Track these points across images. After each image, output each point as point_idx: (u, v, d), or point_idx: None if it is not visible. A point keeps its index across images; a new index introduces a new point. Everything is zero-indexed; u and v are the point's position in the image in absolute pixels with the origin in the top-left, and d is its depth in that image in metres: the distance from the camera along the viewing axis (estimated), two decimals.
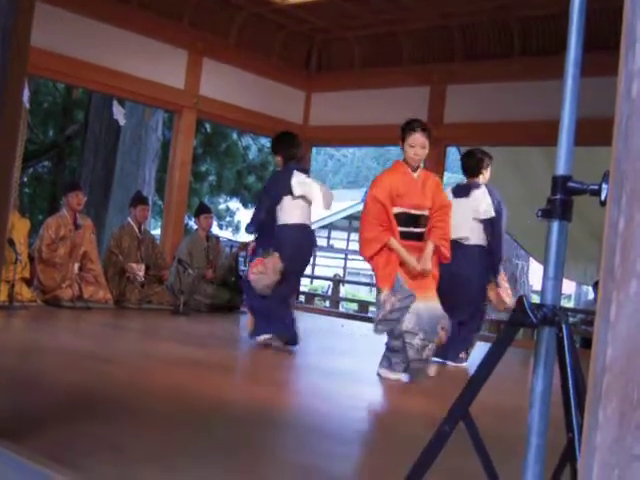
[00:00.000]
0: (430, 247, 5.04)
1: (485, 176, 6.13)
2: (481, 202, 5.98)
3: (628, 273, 1.19)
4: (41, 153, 16.84)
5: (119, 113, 8.83)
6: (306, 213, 6.10)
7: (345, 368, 5.80)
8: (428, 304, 4.95)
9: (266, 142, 19.06)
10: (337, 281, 17.06)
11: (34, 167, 17.61)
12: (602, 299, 1.22)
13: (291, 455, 3.03)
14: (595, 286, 11.18)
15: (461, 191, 6.13)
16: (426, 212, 5.06)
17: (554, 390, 1.67)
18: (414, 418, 4.13)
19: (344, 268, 25.87)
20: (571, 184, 1.63)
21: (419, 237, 5.05)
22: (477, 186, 6.07)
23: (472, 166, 6.16)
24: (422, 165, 5.25)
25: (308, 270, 21.18)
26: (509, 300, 6.00)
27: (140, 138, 13.01)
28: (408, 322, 4.86)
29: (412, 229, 5.03)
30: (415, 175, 5.11)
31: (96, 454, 2.62)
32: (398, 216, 4.98)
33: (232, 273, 9.11)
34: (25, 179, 16.73)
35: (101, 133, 13.51)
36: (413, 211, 5.03)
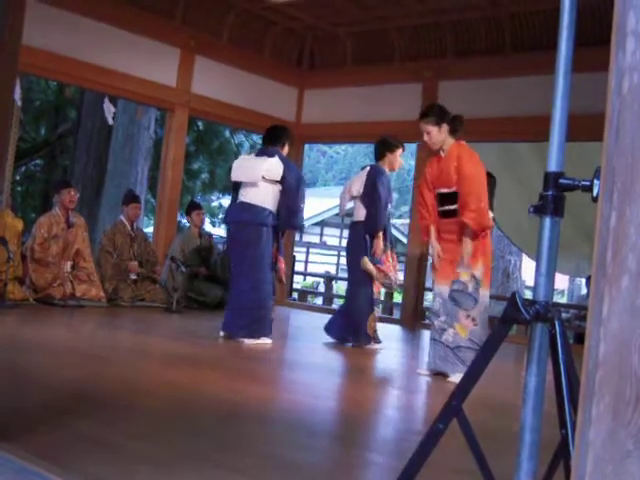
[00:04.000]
0: (433, 234, 5.33)
1: (386, 160, 6.65)
2: (355, 182, 6.74)
3: (620, 269, 1.19)
4: (33, 151, 16.78)
5: (109, 112, 8.80)
6: None
7: (345, 366, 5.81)
8: (449, 287, 5.16)
9: (258, 139, 19.06)
10: (329, 278, 17.06)
11: (26, 165, 17.55)
12: (594, 295, 1.22)
13: (286, 453, 3.02)
14: (588, 281, 11.21)
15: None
16: (454, 189, 5.22)
17: (547, 386, 1.67)
18: (413, 414, 4.14)
19: (337, 265, 25.86)
20: (563, 180, 1.63)
21: (455, 214, 5.22)
22: (363, 168, 6.85)
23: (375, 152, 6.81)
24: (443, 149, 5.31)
25: (301, 267, 21.18)
26: (392, 275, 6.54)
27: (132, 136, 12.97)
28: (435, 303, 5.25)
29: (446, 207, 5.27)
30: (443, 156, 5.31)
31: (90, 454, 2.61)
32: (437, 198, 5.32)
33: (225, 270, 9.10)
34: (17, 177, 16.67)
35: (93, 131, 13.46)
36: (444, 190, 5.26)
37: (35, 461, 2.41)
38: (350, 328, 6.61)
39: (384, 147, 6.68)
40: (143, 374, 4.47)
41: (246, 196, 6.18)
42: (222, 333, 6.26)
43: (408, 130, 9.65)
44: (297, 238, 13.41)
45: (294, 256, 11.27)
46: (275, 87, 10.34)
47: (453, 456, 2.51)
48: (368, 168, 6.73)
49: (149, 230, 12.70)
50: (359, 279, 6.58)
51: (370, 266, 6.45)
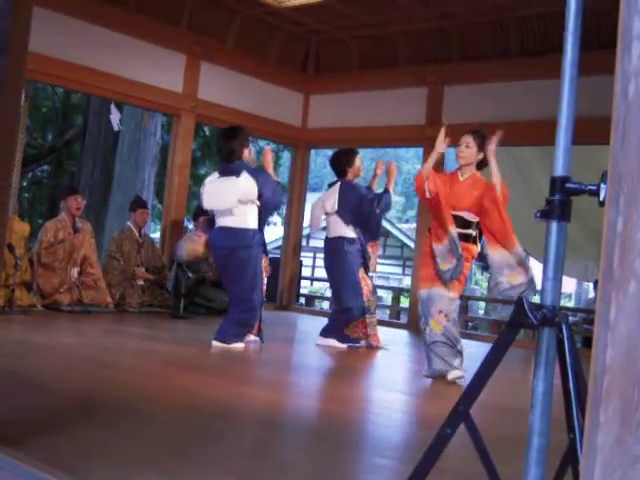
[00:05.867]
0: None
1: (350, 173, 6.85)
2: (328, 199, 6.87)
3: (627, 273, 1.18)
4: (40, 157, 16.83)
5: (115, 118, 8.83)
6: None
7: (352, 371, 5.80)
8: (430, 290, 5.24)
9: (264, 144, 19.05)
10: None
11: (33, 171, 17.61)
12: (601, 300, 1.22)
13: (293, 458, 3.02)
14: (596, 284, 11.18)
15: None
16: (473, 216, 5.26)
17: (555, 391, 1.67)
18: (420, 418, 4.13)
19: None
20: (569, 184, 1.63)
21: (468, 239, 5.26)
22: (335, 183, 6.94)
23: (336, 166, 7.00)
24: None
25: (308, 272, 21.17)
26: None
27: (139, 142, 12.99)
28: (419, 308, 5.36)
29: (461, 230, 5.24)
30: (461, 179, 5.36)
31: (98, 459, 2.62)
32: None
33: None
34: (24, 183, 16.73)
35: (100, 137, 13.50)
36: (462, 214, 5.27)
37: (43, 467, 2.41)
38: (335, 327, 6.77)
39: (341, 164, 6.89)
40: (150, 380, 4.47)
41: (226, 221, 6.04)
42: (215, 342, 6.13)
43: (413, 134, 9.67)
44: (304, 243, 13.41)
45: (301, 261, 11.27)
46: (281, 92, 10.36)
47: (461, 461, 2.51)
48: (339, 185, 6.83)
49: (156, 236, 12.72)
50: (347, 289, 6.70)
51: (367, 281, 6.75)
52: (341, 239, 6.74)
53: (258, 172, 6.12)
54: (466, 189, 5.27)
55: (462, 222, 5.25)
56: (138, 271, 8.45)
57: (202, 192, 6.29)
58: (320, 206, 6.96)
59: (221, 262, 6.22)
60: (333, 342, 6.72)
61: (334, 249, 6.82)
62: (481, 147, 5.28)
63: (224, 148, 6.20)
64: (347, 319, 6.72)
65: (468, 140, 5.31)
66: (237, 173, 6.01)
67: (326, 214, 6.92)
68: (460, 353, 5.22)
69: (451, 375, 5.16)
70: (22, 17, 2.65)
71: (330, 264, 6.94)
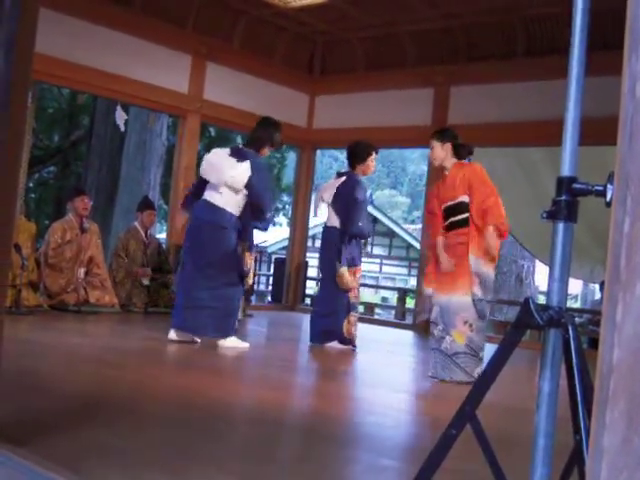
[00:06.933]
0: (440, 245, 5.41)
1: (359, 168, 6.81)
2: (327, 189, 6.87)
3: (634, 274, 1.18)
4: (47, 158, 16.88)
5: (120, 119, 8.85)
6: None
7: (355, 371, 5.80)
8: (450, 297, 5.23)
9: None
10: None
11: (40, 172, 17.66)
12: (608, 300, 1.22)
13: (297, 458, 3.02)
14: (602, 286, 11.16)
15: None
16: (458, 200, 5.36)
17: (561, 391, 1.67)
18: (425, 418, 4.12)
19: None
20: (576, 185, 1.62)
21: (462, 223, 5.35)
22: (339, 175, 6.99)
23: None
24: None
25: (313, 273, 21.22)
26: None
27: (145, 143, 13.02)
28: (433, 312, 5.34)
29: (452, 219, 5.40)
30: (447, 174, 5.51)
31: (102, 459, 2.62)
32: (443, 213, 5.47)
33: None
34: (31, 184, 16.78)
35: (106, 138, 13.53)
36: (450, 203, 5.41)
37: (49, 467, 2.41)
38: (328, 329, 6.67)
39: (355, 158, 6.81)
40: (154, 380, 4.47)
41: (212, 196, 6.00)
42: (174, 334, 6.01)
43: (419, 135, 9.66)
44: (310, 243, 13.42)
45: (306, 262, 11.27)
46: (286, 93, 10.36)
47: (466, 462, 2.50)
48: (344, 178, 6.80)
49: (162, 236, 12.73)
50: (333, 283, 6.62)
51: (347, 278, 6.58)
52: (334, 229, 6.69)
53: (260, 169, 6.09)
54: (450, 179, 5.42)
55: (451, 210, 5.37)
56: (140, 269, 8.45)
57: (206, 158, 6.26)
58: (320, 196, 6.98)
59: (192, 233, 6.09)
60: (336, 344, 6.66)
61: (326, 238, 6.82)
62: (443, 140, 5.49)
63: (254, 134, 6.31)
64: (335, 320, 6.63)
65: (431, 144, 5.54)
66: (243, 159, 6.01)
67: (326, 203, 6.88)
68: (482, 360, 5.19)
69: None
70: (28, 18, 2.66)
71: (321, 253, 6.95)
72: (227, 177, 5.93)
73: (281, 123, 6.52)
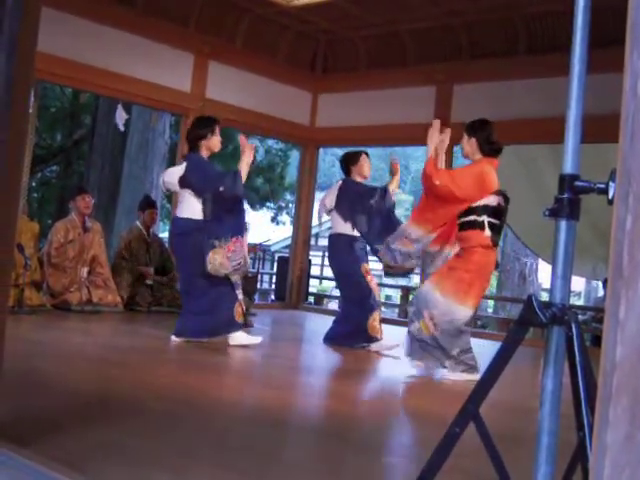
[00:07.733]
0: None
1: (354, 171, 6.86)
2: (328, 195, 6.92)
3: (636, 271, 1.18)
4: (49, 157, 16.89)
5: (120, 119, 8.84)
6: None
7: (359, 370, 5.80)
8: (432, 288, 5.23)
9: (273, 144, 19.07)
10: None
11: (42, 171, 17.67)
12: (611, 297, 1.22)
13: (304, 457, 3.02)
14: (605, 283, 11.15)
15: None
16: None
17: (564, 389, 1.67)
18: (429, 417, 4.12)
19: None
20: (578, 183, 1.62)
21: (469, 225, 5.34)
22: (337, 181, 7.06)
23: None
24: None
25: (317, 271, 21.16)
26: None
27: (147, 142, 13.02)
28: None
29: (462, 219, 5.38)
30: None
31: (109, 459, 2.62)
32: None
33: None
34: (33, 184, 16.78)
35: (109, 137, 13.53)
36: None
37: (53, 466, 2.42)
38: (352, 332, 6.62)
39: (347, 163, 6.92)
40: (159, 379, 4.48)
41: (177, 208, 6.18)
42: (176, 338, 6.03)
43: (422, 133, 9.62)
44: (313, 242, 13.40)
45: (310, 260, 11.27)
46: (289, 91, 10.36)
47: (470, 460, 2.50)
48: (340, 181, 6.94)
49: (164, 235, 12.74)
50: (353, 285, 6.66)
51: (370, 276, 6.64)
52: (340, 236, 6.72)
53: (194, 165, 6.01)
54: None
55: (463, 211, 5.27)
56: (142, 269, 8.46)
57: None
58: (322, 203, 7.00)
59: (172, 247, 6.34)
60: (374, 346, 6.57)
61: (332, 245, 6.85)
62: (469, 134, 5.41)
63: (189, 135, 6.26)
64: (361, 319, 6.58)
65: (463, 137, 5.46)
66: (182, 163, 6.17)
67: (328, 210, 6.92)
68: (454, 358, 5.11)
69: (439, 375, 5.21)
70: (30, 17, 2.66)
71: (330, 261, 6.99)
72: (166, 185, 6.21)
73: (208, 117, 6.45)
